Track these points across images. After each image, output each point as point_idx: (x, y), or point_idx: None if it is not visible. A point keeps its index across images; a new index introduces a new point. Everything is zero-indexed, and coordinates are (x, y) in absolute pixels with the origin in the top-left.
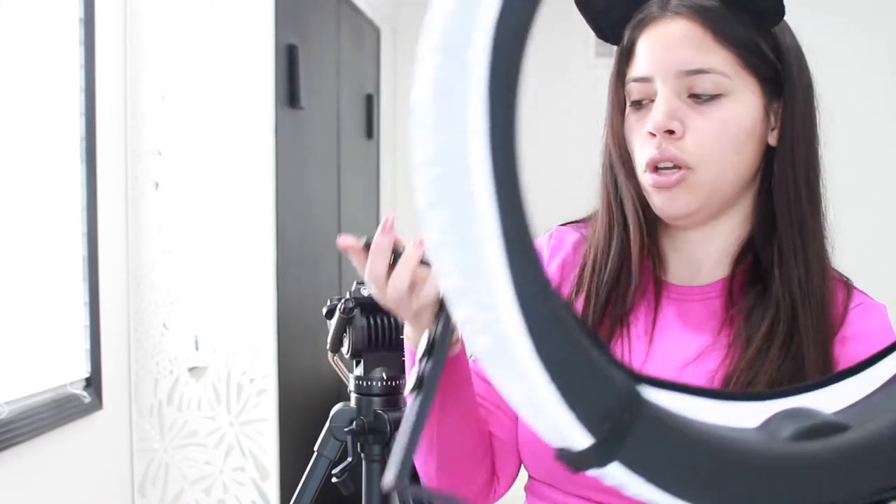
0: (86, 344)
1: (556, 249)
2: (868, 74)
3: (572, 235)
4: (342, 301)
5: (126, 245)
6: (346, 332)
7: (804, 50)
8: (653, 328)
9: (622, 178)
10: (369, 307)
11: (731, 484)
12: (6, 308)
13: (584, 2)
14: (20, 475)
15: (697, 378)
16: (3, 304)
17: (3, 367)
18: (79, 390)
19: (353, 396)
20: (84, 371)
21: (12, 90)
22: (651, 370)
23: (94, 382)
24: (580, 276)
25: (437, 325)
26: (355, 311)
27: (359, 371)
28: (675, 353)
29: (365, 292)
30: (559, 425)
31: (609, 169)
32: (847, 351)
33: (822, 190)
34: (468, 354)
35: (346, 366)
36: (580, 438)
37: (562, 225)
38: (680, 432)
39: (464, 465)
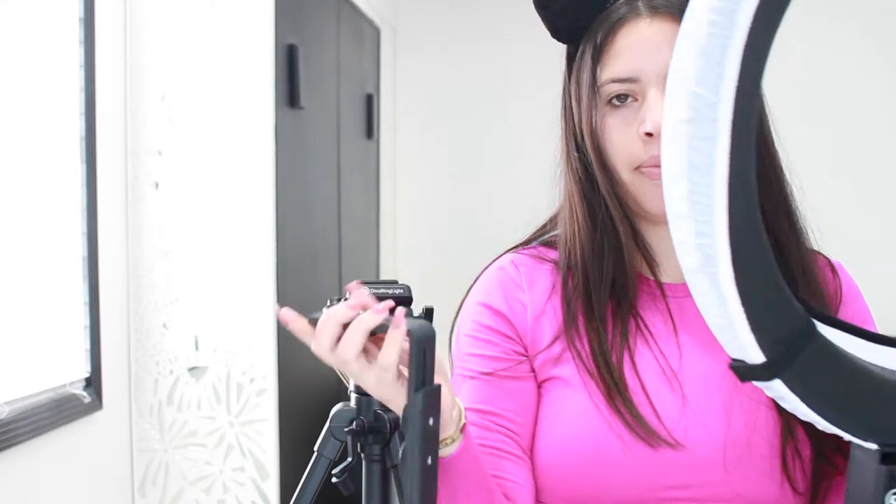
0: (86, 344)
1: (534, 281)
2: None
3: (542, 268)
4: (342, 301)
5: (126, 245)
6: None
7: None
8: (674, 328)
9: (602, 180)
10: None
11: (877, 414)
12: (6, 308)
13: (543, 3)
14: (20, 475)
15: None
16: (4, 304)
17: (3, 367)
18: (79, 390)
19: (353, 396)
20: (84, 371)
21: (12, 90)
22: (690, 370)
23: (94, 382)
24: (569, 287)
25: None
26: None
27: None
28: (707, 350)
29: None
30: (741, 342)
31: (583, 170)
32: (849, 310)
33: (786, 173)
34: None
35: None
36: (755, 355)
37: (512, 254)
38: (841, 363)
39: None
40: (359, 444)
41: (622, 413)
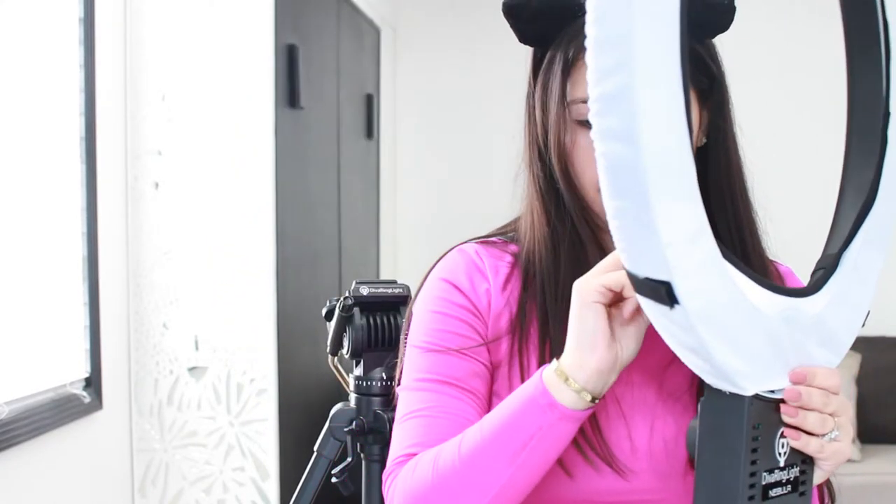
0: (86, 344)
1: (497, 270)
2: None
3: (503, 260)
4: (341, 300)
5: (126, 245)
6: (345, 331)
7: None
8: None
9: (568, 195)
10: (369, 306)
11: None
12: (6, 308)
13: (512, 11)
14: (20, 475)
15: (682, 375)
16: (4, 304)
17: (3, 367)
18: (79, 390)
19: (353, 396)
20: (84, 371)
21: (12, 90)
22: (635, 372)
23: (94, 382)
24: (526, 293)
25: None
26: (354, 310)
27: (358, 371)
28: (654, 355)
29: (364, 291)
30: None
31: (545, 179)
32: None
33: (748, 180)
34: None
35: (345, 366)
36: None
37: (473, 243)
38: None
39: None
40: (359, 444)
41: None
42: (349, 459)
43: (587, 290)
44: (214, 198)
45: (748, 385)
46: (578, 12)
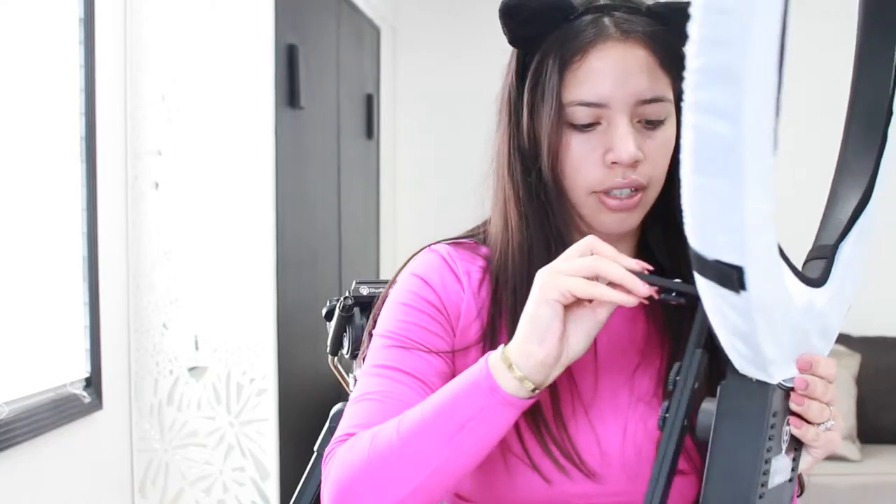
0: (86, 344)
1: (469, 274)
2: None
3: (475, 263)
4: (341, 300)
5: (126, 245)
6: (345, 331)
7: None
8: (594, 343)
9: (557, 201)
10: (368, 306)
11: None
12: (6, 308)
13: (510, 12)
14: (20, 475)
15: (649, 378)
16: (3, 304)
17: (3, 367)
18: (79, 390)
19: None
20: (84, 371)
21: (12, 90)
22: (604, 378)
23: (94, 382)
24: (497, 301)
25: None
26: (354, 309)
27: (358, 371)
28: (622, 360)
29: (364, 291)
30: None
31: (524, 183)
32: None
33: None
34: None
35: (345, 366)
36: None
37: (444, 244)
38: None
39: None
40: None
41: (536, 442)
42: None
43: (550, 288)
44: (214, 198)
45: (776, 373)
46: (571, 15)
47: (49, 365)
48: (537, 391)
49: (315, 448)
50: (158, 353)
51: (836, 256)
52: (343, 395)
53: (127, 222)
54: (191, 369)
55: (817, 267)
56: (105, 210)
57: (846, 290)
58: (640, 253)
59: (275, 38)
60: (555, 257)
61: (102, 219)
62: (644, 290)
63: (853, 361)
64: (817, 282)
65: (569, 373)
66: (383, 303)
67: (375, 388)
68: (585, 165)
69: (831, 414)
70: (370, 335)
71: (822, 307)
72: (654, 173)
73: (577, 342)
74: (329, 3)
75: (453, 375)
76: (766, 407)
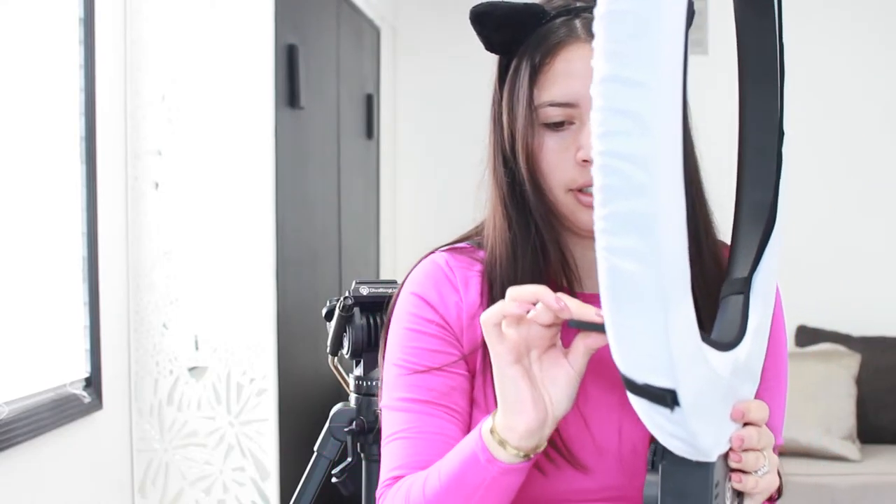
0: (86, 344)
1: (467, 282)
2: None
3: (472, 269)
4: (341, 300)
5: (126, 245)
6: (345, 331)
7: None
8: None
9: (533, 197)
10: (369, 306)
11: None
12: (6, 308)
13: (478, 19)
14: (20, 475)
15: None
16: (3, 304)
17: (3, 367)
18: (79, 390)
19: (353, 396)
20: (84, 371)
21: (12, 90)
22: (598, 376)
23: (94, 382)
24: (492, 301)
25: None
26: (354, 309)
27: (358, 371)
28: (609, 369)
29: (364, 291)
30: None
31: (508, 185)
32: None
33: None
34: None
35: (345, 366)
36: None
37: (443, 252)
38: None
39: None
40: (359, 444)
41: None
42: (349, 459)
43: (489, 331)
44: (214, 198)
45: (715, 452)
46: (543, 19)
47: (49, 365)
48: (531, 456)
49: (315, 448)
50: (158, 353)
51: (752, 288)
52: (343, 395)
53: (127, 222)
54: (191, 369)
55: (735, 306)
56: (105, 210)
57: (763, 325)
58: None
59: (275, 38)
60: (537, 256)
61: (102, 219)
62: (555, 304)
63: (853, 361)
64: (735, 340)
65: None
66: (388, 325)
67: (403, 426)
68: (560, 164)
69: (766, 459)
70: (383, 358)
71: (746, 358)
72: None
73: (560, 399)
74: (329, 3)
75: (473, 376)
76: (709, 485)
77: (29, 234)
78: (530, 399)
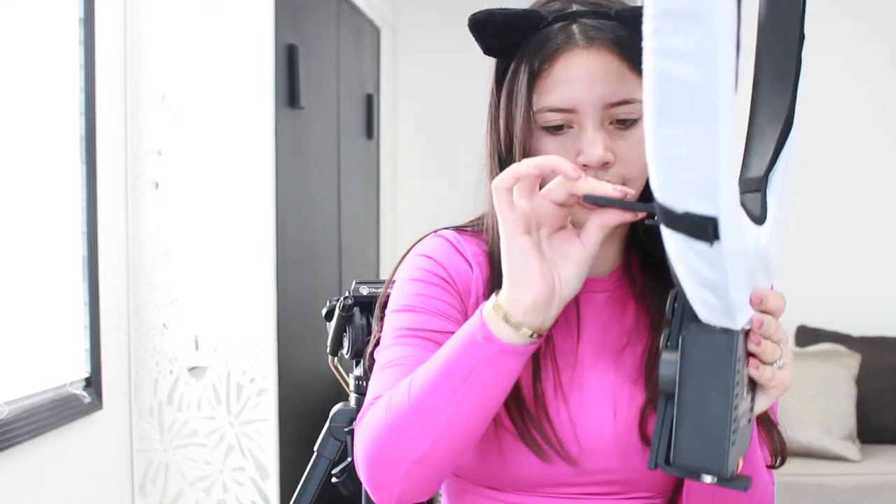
0: (86, 344)
1: (477, 258)
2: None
3: (481, 248)
4: (341, 300)
5: (126, 245)
6: (345, 331)
7: None
8: (578, 322)
9: None
10: (368, 306)
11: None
12: (6, 308)
13: (477, 26)
14: (20, 475)
15: (633, 359)
16: (4, 304)
17: (3, 367)
18: (79, 390)
19: (353, 396)
20: (84, 371)
21: (12, 90)
22: (593, 358)
23: (94, 382)
24: (497, 283)
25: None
26: (354, 309)
27: (359, 371)
28: (608, 340)
29: (364, 291)
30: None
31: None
32: None
33: None
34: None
35: (345, 366)
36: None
37: (450, 230)
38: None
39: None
40: None
41: (522, 430)
42: (349, 459)
43: (506, 221)
44: (214, 198)
45: (741, 319)
46: (540, 24)
47: (49, 365)
48: (536, 337)
49: (315, 448)
50: (158, 353)
51: (769, 187)
52: (343, 395)
53: (127, 222)
54: (191, 369)
55: (754, 201)
56: (105, 210)
57: (780, 221)
58: (630, 251)
59: (275, 38)
60: None
61: (102, 219)
62: (573, 173)
63: (853, 361)
64: (759, 219)
65: (553, 352)
66: (390, 286)
67: (396, 356)
68: None
69: (782, 352)
70: (380, 320)
71: (765, 244)
72: (629, 172)
73: (569, 278)
74: (329, 3)
75: None
76: (733, 354)
77: (29, 233)
78: (538, 270)
